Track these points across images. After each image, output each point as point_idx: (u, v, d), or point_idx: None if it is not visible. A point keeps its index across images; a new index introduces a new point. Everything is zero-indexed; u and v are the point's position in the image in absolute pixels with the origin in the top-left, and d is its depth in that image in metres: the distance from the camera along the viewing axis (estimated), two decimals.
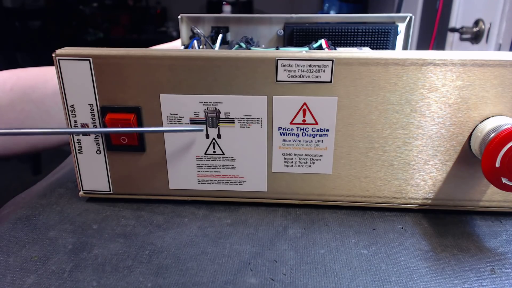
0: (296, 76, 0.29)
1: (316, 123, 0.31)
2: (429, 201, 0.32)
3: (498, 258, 0.28)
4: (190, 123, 0.31)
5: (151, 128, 0.31)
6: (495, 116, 0.29)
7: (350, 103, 0.30)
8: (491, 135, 0.27)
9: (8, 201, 0.37)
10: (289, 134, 0.31)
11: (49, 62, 0.33)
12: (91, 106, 0.31)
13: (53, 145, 0.46)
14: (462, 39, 1.12)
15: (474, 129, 0.30)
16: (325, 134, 0.31)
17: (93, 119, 0.31)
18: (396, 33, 0.46)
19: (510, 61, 0.28)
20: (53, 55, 0.30)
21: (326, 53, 0.29)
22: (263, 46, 0.49)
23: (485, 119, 0.29)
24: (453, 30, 1.14)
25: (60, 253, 0.28)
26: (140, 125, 0.31)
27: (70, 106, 0.31)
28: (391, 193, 0.32)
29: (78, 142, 0.32)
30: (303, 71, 0.29)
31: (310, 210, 0.33)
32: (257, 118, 0.31)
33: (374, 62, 0.28)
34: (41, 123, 0.43)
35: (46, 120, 0.44)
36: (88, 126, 0.32)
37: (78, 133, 0.32)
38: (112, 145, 0.32)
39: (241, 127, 0.31)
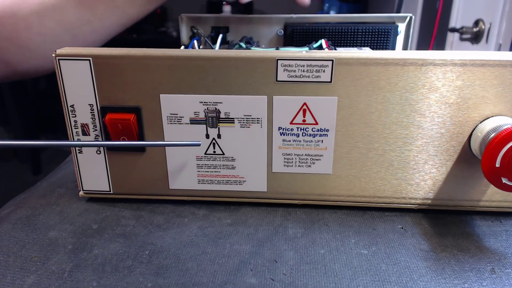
0: (296, 76, 0.29)
1: (316, 123, 0.31)
2: (429, 201, 0.32)
3: (498, 258, 0.28)
4: (190, 123, 0.31)
5: (147, 142, 0.31)
6: (495, 116, 0.29)
7: (350, 103, 0.30)
8: (491, 135, 0.27)
9: (8, 201, 0.36)
10: (289, 134, 0.31)
11: None
12: (91, 106, 0.31)
13: (37, 71, 0.44)
14: (462, 39, 1.12)
15: (474, 129, 0.30)
16: (325, 134, 0.31)
17: (93, 119, 0.31)
18: (396, 33, 0.46)
19: (510, 61, 0.28)
20: (53, 55, 0.30)
21: (326, 53, 0.29)
22: (263, 46, 0.48)
23: (485, 119, 0.29)
24: (453, 30, 1.14)
25: (60, 253, 0.28)
26: (140, 125, 0.31)
27: (70, 106, 0.31)
28: (391, 193, 0.32)
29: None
30: (303, 71, 0.29)
31: (310, 210, 0.33)
32: (257, 118, 0.31)
33: (374, 62, 0.28)
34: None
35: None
36: (88, 126, 0.32)
37: (79, 146, 0.31)
38: None
39: (241, 127, 0.31)
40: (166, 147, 0.32)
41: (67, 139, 0.31)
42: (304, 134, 0.31)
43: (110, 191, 0.34)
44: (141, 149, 0.32)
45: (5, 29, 0.41)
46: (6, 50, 0.41)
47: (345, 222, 0.32)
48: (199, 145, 0.30)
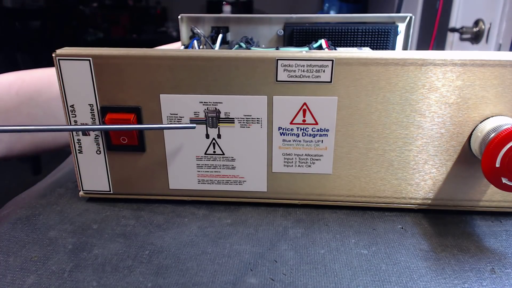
0: (296, 76, 0.29)
1: (316, 123, 0.31)
2: (429, 201, 0.32)
3: (498, 258, 0.28)
4: (190, 123, 0.31)
5: (142, 126, 0.31)
6: (495, 116, 0.29)
7: (350, 103, 0.30)
8: (491, 135, 0.27)
9: (8, 201, 0.37)
10: (289, 134, 0.31)
11: (49, 62, 0.33)
12: (91, 106, 0.31)
13: (57, 146, 0.46)
14: (462, 39, 1.12)
15: (474, 129, 0.30)
16: (325, 134, 0.31)
17: (93, 119, 0.31)
18: (396, 33, 0.46)
19: (510, 61, 0.28)
20: (53, 55, 0.30)
21: (326, 53, 0.29)
22: (263, 46, 0.48)
23: (485, 119, 0.29)
24: (453, 30, 1.14)
25: (60, 253, 0.28)
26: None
27: (70, 106, 0.31)
28: (391, 193, 0.32)
29: (78, 142, 0.32)
30: (303, 71, 0.29)
31: (310, 210, 0.33)
32: (257, 118, 0.31)
33: (374, 62, 0.28)
34: None
35: (53, 124, 0.44)
36: None
37: (77, 130, 0.32)
38: (112, 145, 0.32)
39: (241, 127, 0.31)
40: (166, 147, 0.32)
41: (67, 139, 0.31)
42: (304, 134, 0.31)
43: (110, 191, 0.34)
44: (141, 149, 0.32)
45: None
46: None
47: (345, 222, 0.32)
48: (194, 127, 0.30)
